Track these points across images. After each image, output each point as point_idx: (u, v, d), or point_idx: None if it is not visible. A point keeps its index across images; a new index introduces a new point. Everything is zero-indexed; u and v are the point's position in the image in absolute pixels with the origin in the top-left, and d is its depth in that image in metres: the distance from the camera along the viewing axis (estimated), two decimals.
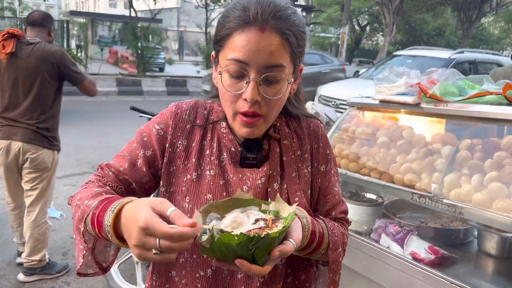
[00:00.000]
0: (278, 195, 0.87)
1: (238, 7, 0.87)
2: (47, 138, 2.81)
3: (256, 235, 0.72)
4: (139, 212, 0.71)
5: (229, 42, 0.87)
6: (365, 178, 2.21)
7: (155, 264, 1.04)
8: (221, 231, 0.75)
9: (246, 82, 0.87)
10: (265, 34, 0.85)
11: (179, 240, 0.68)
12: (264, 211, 0.82)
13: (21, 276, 2.95)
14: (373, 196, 2.46)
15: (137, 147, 1.00)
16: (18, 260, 3.13)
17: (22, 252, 3.03)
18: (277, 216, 0.80)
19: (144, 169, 0.99)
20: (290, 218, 0.78)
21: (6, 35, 2.69)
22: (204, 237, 0.74)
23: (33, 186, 2.85)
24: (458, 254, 1.95)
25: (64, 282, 3.00)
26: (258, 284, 0.96)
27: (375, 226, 2.14)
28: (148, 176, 1.00)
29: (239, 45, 0.85)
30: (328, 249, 0.95)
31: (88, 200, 0.87)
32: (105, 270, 0.98)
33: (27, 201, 2.88)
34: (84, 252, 0.90)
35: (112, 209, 0.79)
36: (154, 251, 0.69)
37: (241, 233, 0.73)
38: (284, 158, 1.00)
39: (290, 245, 0.78)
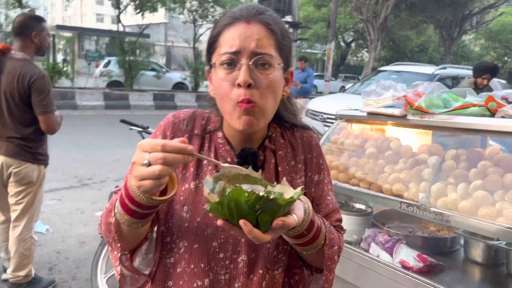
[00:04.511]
0: (284, 178, 0.89)
1: (227, 13, 0.97)
2: (31, 152, 2.75)
3: (265, 195, 0.75)
4: (145, 140, 0.80)
5: (220, 40, 0.95)
6: (354, 188, 2.25)
7: (153, 275, 1.04)
8: (235, 186, 0.79)
9: (238, 69, 0.92)
10: (251, 25, 0.93)
11: (164, 149, 0.75)
12: (268, 192, 0.85)
13: None
14: (362, 206, 2.49)
15: None
16: (4, 276, 3.05)
17: (7, 268, 2.97)
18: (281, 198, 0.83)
19: None
20: (297, 195, 0.81)
21: None
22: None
23: (18, 200, 2.79)
24: (446, 262, 1.99)
25: None
26: None
27: (365, 235, 2.18)
28: None
29: (229, 37, 0.93)
30: (324, 245, 0.95)
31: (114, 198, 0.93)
32: (149, 275, 1.02)
33: (13, 215, 2.81)
34: (119, 267, 0.96)
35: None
36: (144, 162, 0.76)
37: (251, 190, 0.75)
38: (279, 169, 1.02)
39: (292, 219, 0.80)
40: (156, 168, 0.74)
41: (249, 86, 0.90)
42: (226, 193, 0.75)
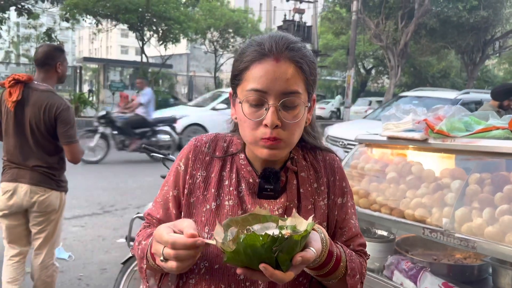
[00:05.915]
0: (294, 210, 0.89)
1: (254, 43, 0.95)
2: (55, 180, 2.79)
3: (280, 235, 0.74)
4: (160, 230, 0.84)
5: (247, 74, 0.94)
6: (376, 213, 2.21)
7: None
8: (247, 230, 0.79)
9: (266, 109, 0.91)
10: (281, 64, 0.91)
11: (174, 247, 0.80)
12: (281, 227, 0.84)
13: None
14: (384, 233, 2.44)
15: (168, 189, 1.07)
16: None
17: None
18: (294, 231, 0.82)
19: (174, 211, 1.04)
20: (310, 226, 0.80)
21: (12, 82, 2.63)
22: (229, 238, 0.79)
23: (41, 229, 2.80)
24: None
25: None
26: None
27: (387, 262, 2.12)
28: (179, 217, 1.04)
29: (257, 75, 0.92)
30: (346, 275, 0.94)
31: (144, 240, 1.00)
32: None
33: (35, 243, 2.82)
34: None
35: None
36: (160, 258, 0.81)
37: (265, 233, 0.74)
38: (301, 190, 1.02)
39: (311, 253, 0.80)
40: (173, 265, 0.82)
41: (276, 126, 0.91)
42: (241, 240, 0.75)
